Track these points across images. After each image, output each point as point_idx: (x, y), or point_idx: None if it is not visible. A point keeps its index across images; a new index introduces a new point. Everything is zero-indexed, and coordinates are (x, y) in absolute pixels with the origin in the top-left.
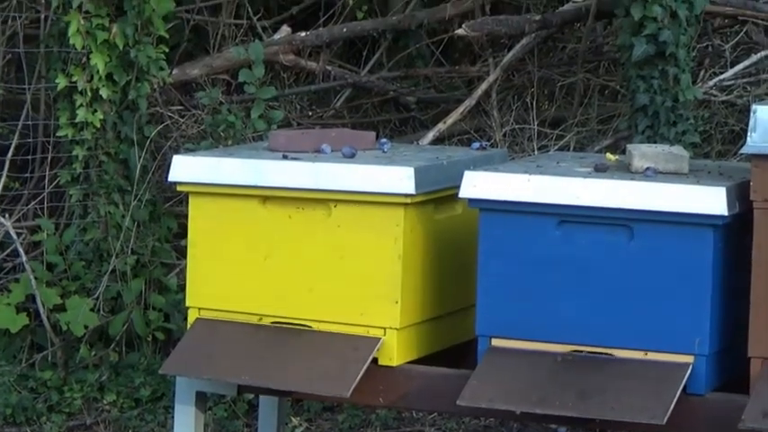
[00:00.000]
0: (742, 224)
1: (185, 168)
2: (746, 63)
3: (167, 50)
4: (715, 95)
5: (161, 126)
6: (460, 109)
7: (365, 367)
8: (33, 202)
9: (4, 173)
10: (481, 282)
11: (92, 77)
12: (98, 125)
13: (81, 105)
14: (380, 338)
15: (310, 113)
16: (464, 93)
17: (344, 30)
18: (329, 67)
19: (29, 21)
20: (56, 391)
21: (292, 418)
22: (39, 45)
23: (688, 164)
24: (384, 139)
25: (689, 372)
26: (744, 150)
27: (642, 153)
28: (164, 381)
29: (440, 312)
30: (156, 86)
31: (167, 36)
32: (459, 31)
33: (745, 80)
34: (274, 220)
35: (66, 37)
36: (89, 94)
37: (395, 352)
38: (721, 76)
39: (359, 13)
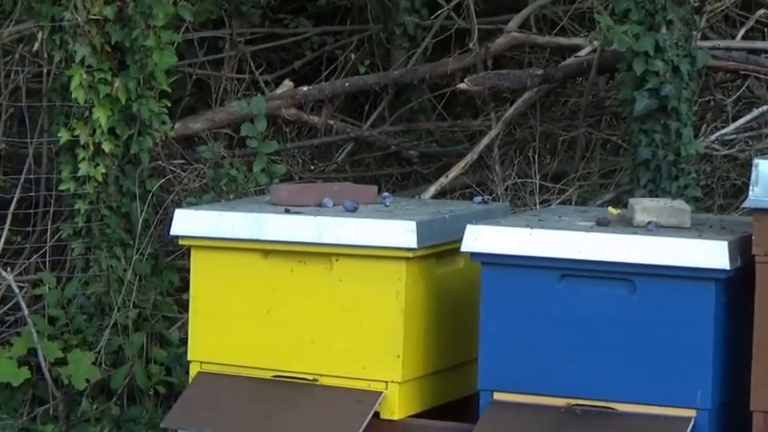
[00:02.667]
0: (744, 278)
1: (187, 222)
2: (748, 117)
3: (169, 104)
4: (717, 150)
5: (163, 180)
6: (462, 163)
7: (367, 421)
8: (35, 256)
9: (7, 226)
10: (483, 335)
11: (94, 131)
12: (100, 179)
13: (83, 159)
14: (382, 392)
15: (312, 167)
16: (466, 147)
17: (347, 84)
18: (331, 122)
19: (31, 75)
20: None
21: None
22: (41, 99)
23: (690, 218)
24: (386, 193)
25: (691, 426)
26: (746, 204)
27: (644, 207)
28: None
29: (442, 366)
30: (158, 140)
31: (170, 90)
32: (462, 86)
33: (746, 134)
34: (276, 274)
35: (69, 91)
36: (91, 147)
37: (396, 406)
38: (723, 131)
39: (361, 67)
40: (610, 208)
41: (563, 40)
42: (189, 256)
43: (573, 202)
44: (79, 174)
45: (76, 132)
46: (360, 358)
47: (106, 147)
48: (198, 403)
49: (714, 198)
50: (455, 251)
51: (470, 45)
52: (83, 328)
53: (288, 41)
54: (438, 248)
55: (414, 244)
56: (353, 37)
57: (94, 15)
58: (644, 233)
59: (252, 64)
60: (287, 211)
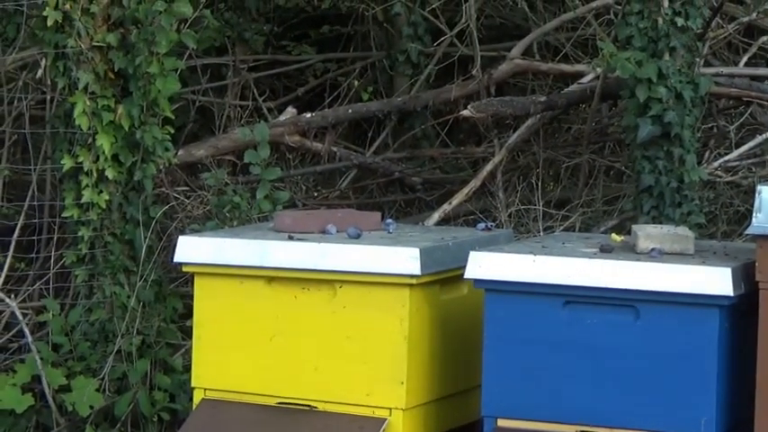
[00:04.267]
0: (748, 304)
1: (191, 249)
2: (751, 144)
3: (173, 131)
4: (720, 176)
5: (167, 207)
6: (466, 190)
7: None
8: (39, 283)
9: (10, 253)
10: (487, 362)
11: (97, 158)
12: (104, 206)
13: (87, 186)
14: (386, 419)
15: (316, 194)
16: (469, 174)
17: (350, 111)
18: (335, 148)
19: (35, 102)
20: None
21: None
22: (45, 126)
23: (693, 244)
24: (389, 220)
25: None
26: (749, 231)
27: (647, 234)
28: None
29: (446, 393)
30: (161, 167)
31: (173, 117)
32: (465, 112)
33: (750, 161)
34: (280, 301)
35: (72, 118)
36: (95, 174)
37: None
38: (726, 157)
39: (364, 94)
40: (613, 235)
41: (566, 67)
42: (192, 283)
43: (576, 229)
44: (83, 201)
45: (80, 159)
46: (364, 385)
47: (110, 174)
48: (201, 430)
49: (717, 225)
50: (459, 278)
51: (473, 72)
52: (86, 355)
53: (291, 68)
54: (442, 275)
55: (417, 271)
56: (357, 64)
57: (98, 42)
58: (647, 260)
59: (255, 91)
60: (290, 238)
